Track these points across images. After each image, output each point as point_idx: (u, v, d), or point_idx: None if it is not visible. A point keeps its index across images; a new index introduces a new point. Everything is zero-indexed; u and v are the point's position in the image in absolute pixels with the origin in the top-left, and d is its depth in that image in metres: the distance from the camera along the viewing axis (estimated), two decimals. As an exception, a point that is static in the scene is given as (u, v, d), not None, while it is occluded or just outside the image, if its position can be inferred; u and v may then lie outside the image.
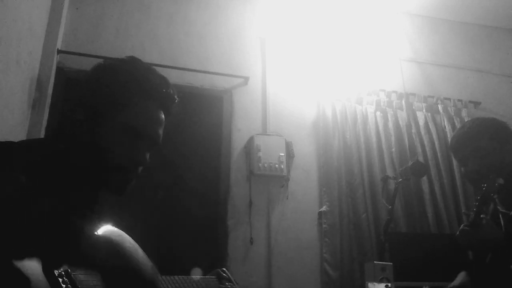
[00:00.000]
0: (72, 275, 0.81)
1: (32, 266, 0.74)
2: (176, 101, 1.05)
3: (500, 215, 1.60)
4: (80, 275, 0.84)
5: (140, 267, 0.78)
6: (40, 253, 0.71)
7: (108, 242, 0.76)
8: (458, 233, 1.52)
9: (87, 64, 1.15)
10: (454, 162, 3.29)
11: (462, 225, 1.54)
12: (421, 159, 3.18)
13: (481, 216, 1.48)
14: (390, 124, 3.33)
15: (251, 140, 3.08)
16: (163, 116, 1.04)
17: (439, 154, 3.32)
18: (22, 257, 0.70)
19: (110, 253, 0.75)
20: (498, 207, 1.60)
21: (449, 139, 3.30)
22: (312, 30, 3.55)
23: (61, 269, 0.79)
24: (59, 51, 2.82)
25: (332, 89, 3.35)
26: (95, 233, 0.76)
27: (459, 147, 1.71)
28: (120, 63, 1.02)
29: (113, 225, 1.07)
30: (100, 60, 1.07)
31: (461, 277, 1.70)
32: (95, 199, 1.01)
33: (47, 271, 0.76)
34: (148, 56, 3.07)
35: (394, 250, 2.42)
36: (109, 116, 0.95)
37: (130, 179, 0.98)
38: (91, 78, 1.00)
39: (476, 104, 3.67)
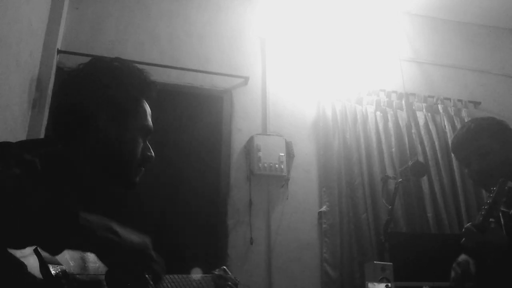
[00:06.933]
0: (70, 276, 0.81)
1: (30, 267, 0.74)
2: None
3: (500, 214, 1.59)
4: (78, 276, 0.84)
5: (133, 239, 0.83)
6: (39, 239, 0.72)
7: (103, 219, 0.79)
8: (463, 231, 1.51)
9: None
10: (454, 162, 3.29)
11: (468, 224, 1.52)
12: (421, 159, 3.18)
13: (490, 220, 1.46)
14: (390, 124, 3.33)
15: (251, 140, 3.08)
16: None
17: (439, 154, 3.32)
18: (21, 246, 0.71)
19: (105, 228, 0.79)
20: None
21: (449, 139, 3.33)
22: (312, 30, 3.55)
23: (59, 269, 0.79)
24: (59, 51, 2.82)
25: (332, 89, 3.35)
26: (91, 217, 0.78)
27: (460, 148, 1.71)
28: (127, 67, 1.08)
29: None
30: (96, 60, 1.09)
31: (462, 256, 1.67)
32: (96, 200, 1.02)
33: (45, 271, 0.76)
34: (148, 56, 3.07)
35: (394, 250, 2.42)
36: (128, 119, 1.04)
37: (141, 173, 1.08)
38: (105, 80, 1.03)
39: (476, 104, 3.67)
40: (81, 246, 0.78)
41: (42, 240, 0.72)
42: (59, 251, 0.74)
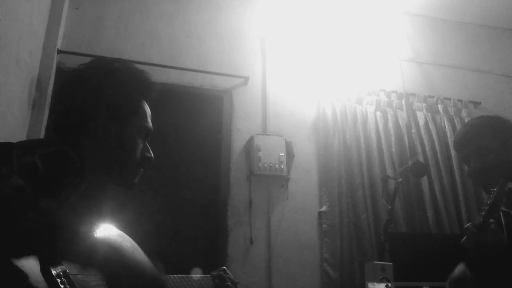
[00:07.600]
0: (70, 276, 0.81)
1: (30, 267, 0.74)
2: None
3: (501, 214, 1.59)
4: (79, 276, 0.84)
5: (142, 265, 0.80)
6: (37, 251, 0.71)
7: (105, 242, 0.77)
8: (464, 230, 1.50)
9: (87, 64, 1.15)
10: (454, 162, 3.29)
11: (468, 224, 1.52)
12: (421, 159, 3.18)
13: (490, 221, 1.46)
14: (390, 124, 3.33)
15: (251, 140, 3.08)
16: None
17: (439, 154, 3.32)
18: (18, 255, 0.71)
19: (109, 252, 0.76)
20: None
21: (449, 139, 3.34)
22: (312, 30, 3.55)
23: (59, 269, 0.79)
24: (59, 51, 2.82)
25: (332, 89, 3.35)
26: (93, 231, 0.76)
27: (461, 146, 1.70)
28: (127, 68, 1.08)
29: (113, 226, 1.07)
30: (97, 60, 1.09)
31: (460, 267, 1.67)
32: (96, 200, 1.02)
33: (45, 271, 0.76)
34: (148, 56, 3.07)
35: (394, 250, 2.42)
36: (128, 120, 1.03)
37: (140, 174, 1.08)
38: (104, 81, 1.03)
39: (476, 104, 3.67)
40: (82, 260, 0.76)
41: (37, 253, 0.71)
42: (54, 265, 0.73)
